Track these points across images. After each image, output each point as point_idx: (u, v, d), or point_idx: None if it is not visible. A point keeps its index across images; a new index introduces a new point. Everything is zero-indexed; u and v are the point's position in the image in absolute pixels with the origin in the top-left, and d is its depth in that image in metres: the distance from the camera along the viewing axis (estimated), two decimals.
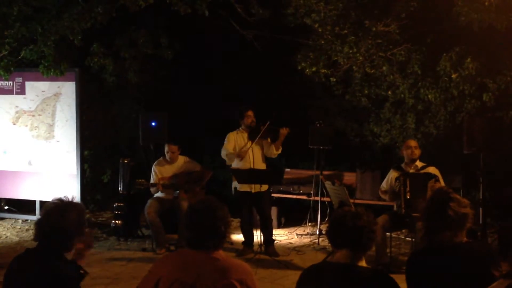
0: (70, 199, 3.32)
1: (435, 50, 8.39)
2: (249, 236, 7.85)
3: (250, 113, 7.74)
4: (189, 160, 8.26)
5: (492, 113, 8.30)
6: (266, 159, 7.90)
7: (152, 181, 8.07)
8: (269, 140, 7.72)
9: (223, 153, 7.79)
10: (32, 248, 3.29)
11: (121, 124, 10.67)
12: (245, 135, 7.74)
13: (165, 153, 8.12)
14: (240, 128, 7.81)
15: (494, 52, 8.09)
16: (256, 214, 8.13)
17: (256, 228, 7.87)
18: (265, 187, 7.70)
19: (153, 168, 8.15)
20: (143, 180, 7.97)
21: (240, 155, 7.64)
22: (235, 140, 7.76)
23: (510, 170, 8.49)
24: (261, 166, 7.73)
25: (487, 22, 7.44)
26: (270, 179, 7.49)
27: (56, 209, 3.24)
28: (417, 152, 7.27)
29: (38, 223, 3.27)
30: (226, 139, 7.79)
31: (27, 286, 3.14)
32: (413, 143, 7.40)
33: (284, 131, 7.61)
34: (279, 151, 7.80)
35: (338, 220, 3.06)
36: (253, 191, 7.60)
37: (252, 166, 7.55)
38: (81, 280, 3.38)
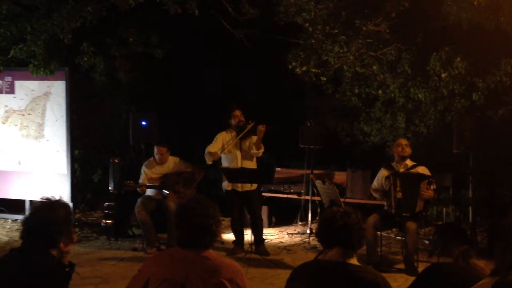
0: (58, 198, 3.33)
1: (425, 50, 8.42)
2: (239, 235, 7.85)
3: (237, 112, 7.74)
4: (180, 160, 8.24)
5: (482, 112, 8.34)
6: (257, 158, 7.90)
7: (140, 181, 8.05)
8: (253, 138, 7.68)
9: (206, 153, 7.74)
10: (17, 247, 3.28)
11: (112, 123, 10.63)
12: (234, 134, 7.74)
13: (154, 155, 8.10)
14: (230, 128, 7.81)
15: (483, 52, 8.13)
16: (246, 213, 8.13)
17: (247, 227, 7.87)
18: (254, 186, 7.70)
19: (142, 168, 8.13)
20: (131, 181, 7.94)
21: (224, 153, 7.64)
22: (223, 140, 7.75)
23: (500, 169, 8.53)
24: (250, 165, 7.70)
25: (476, 22, 7.48)
26: (260, 178, 7.50)
27: (44, 207, 3.26)
28: (408, 150, 7.28)
29: (25, 221, 3.27)
30: (214, 139, 7.79)
31: (14, 284, 3.12)
32: (403, 141, 7.43)
33: (261, 128, 7.48)
34: (261, 150, 7.66)
35: (327, 220, 3.07)
36: (240, 190, 7.59)
37: (240, 165, 7.54)
38: (70, 275, 3.38)
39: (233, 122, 7.75)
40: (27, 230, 3.24)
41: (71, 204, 9.11)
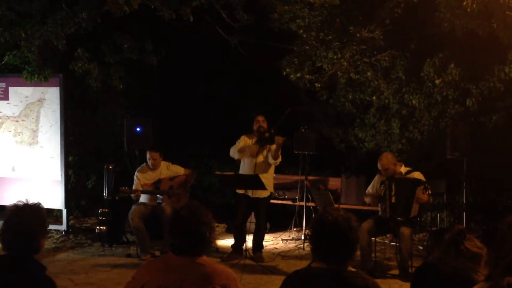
0: (26, 202, 3.28)
1: (419, 56, 8.46)
2: (239, 240, 7.79)
3: (259, 118, 7.75)
4: (172, 165, 8.24)
5: (475, 118, 8.38)
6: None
7: (134, 187, 8.04)
8: (272, 147, 7.67)
9: (232, 151, 7.79)
10: (3, 254, 3.25)
11: (106, 129, 10.61)
12: (254, 140, 7.76)
13: (147, 160, 8.10)
14: (252, 133, 7.82)
15: (477, 58, 8.18)
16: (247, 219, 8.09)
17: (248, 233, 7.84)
18: (264, 194, 7.69)
19: (136, 174, 8.13)
20: (126, 188, 7.93)
21: (243, 151, 7.69)
22: (245, 142, 7.80)
23: (493, 175, 8.56)
24: (264, 175, 7.57)
25: (469, 28, 7.52)
26: (254, 184, 7.49)
27: (14, 215, 3.21)
28: (394, 168, 7.17)
29: (1, 233, 3.23)
30: (238, 141, 7.84)
31: None
32: (385, 163, 7.15)
33: (278, 140, 7.50)
34: (279, 160, 7.69)
35: (317, 229, 2.99)
36: (251, 195, 7.59)
37: (253, 173, 7.52)
38: None
39: (254, 127, 7.76)
40: (5, 241, 3.20)
41: (65, 211, 9.11)
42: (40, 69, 8.74)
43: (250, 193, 7.59)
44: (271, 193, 7.92)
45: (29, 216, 3.20)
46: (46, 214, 3.37)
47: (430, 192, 7.03)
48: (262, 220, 7.87)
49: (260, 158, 7.68)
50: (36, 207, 3.26)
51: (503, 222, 3.45)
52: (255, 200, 7.67)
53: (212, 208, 3.23)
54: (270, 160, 7.66)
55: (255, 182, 7.33)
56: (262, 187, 7.37)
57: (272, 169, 7.86)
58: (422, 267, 3.68)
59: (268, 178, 7.67)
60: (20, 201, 3.26)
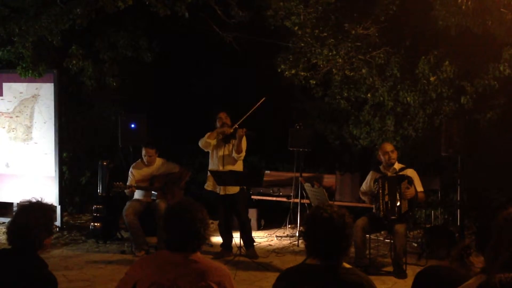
0: (39, 200, 3.33)
1: (414, 53, 8.47)
2: (226, 238, 7.81)
3: (221, 115, 7.74)
4: (167, 162, 8.23)
5: (470, 116, 8.39)
6: (246, 161, 7.86)
7: (128, 183, 8.03)
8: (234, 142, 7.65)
9: (201, 141, 7.72)
10: (7, 248, 3.28)
11: (100, 126, 10.59)
12: (220, 136, 7.74)
13: (143, 156, 8.09)
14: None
15: (471, 55, 8.19)
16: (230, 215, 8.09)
17: (236, 230, 7.86)
18: (234, 190, 7.65)
19: (130, 170, 8.12)
20: (120, 183, 7.92)
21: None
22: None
23: (487, 172, 8.58)
24: (232, 166, 7.60)
25: (464, 26, 7.53)
26: (249, 181, 7.46)
27: (20, 210, 3.27)
28: (394, 155, 7.25)
29: (9, 226, 3.29)
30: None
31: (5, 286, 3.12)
32: (389, 147, 7.29)
33: (240, 132, 7.45)
34: (242, 154, 7.62)
35: (311, 228, 2.98)
36: (222, 193, 7.57)
37: (221, 168, 7.52)
38: None
39: (218, 124, 7.74)
40: (10, 235, 3.24)
41: (59, 207, 9.09)
42: (34, 65, 8.71)
43: (219, 190, 7.56)
44: (243, 187, 7.87)
45: (33, 213, 3.24)
46: (53, 214, 3.43)
47: (417, 188, 7.03)
48: (243, 215, 7.84)
49: (226, 152, 7.67)
50: (44, 206, 3.32)
51: (498, 217, 3.41)
52: (228, 197, 7.66)
53: (206, 205, 3.23)
54: (234, 154, 7.61)
55: (249, 178, 7.29)
56: (257, 184, 7.35)
57: (240, 163, 7.81)
58: (424, 271, 3.67)
59: None
60: (33, 198, 3.32)
